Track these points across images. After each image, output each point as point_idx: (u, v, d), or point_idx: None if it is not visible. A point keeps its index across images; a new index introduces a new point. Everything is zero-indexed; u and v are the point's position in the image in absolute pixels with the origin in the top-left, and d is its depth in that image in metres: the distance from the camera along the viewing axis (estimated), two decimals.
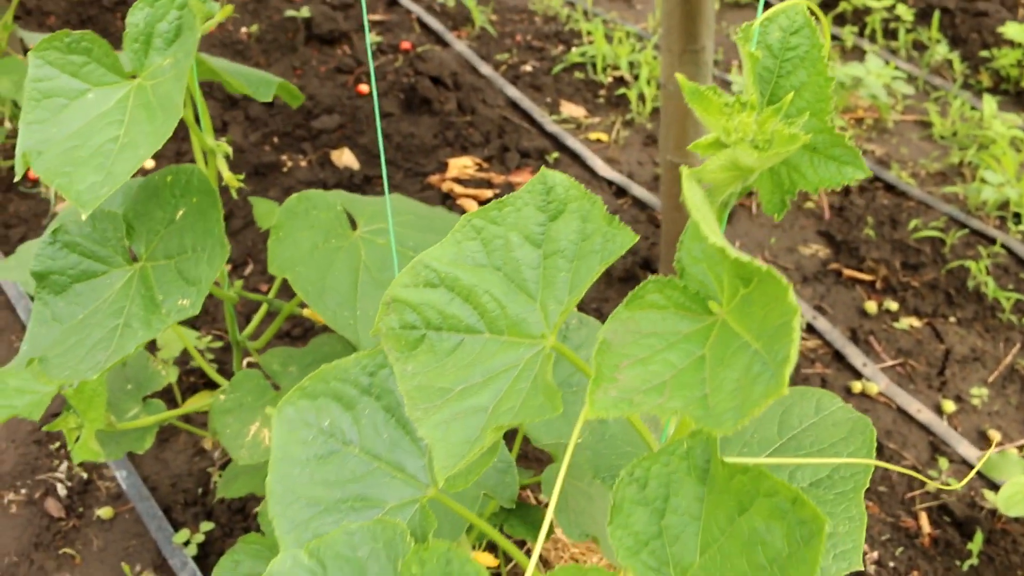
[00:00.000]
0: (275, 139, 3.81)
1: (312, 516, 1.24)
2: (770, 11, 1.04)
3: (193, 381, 2.92)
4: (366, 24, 1.45)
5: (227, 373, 2.55)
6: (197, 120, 1.76)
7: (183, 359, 2.96)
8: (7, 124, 3.46)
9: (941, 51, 4.39)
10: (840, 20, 4.59)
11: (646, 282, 0.95)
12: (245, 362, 2.35)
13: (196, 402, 2.26)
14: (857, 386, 2.89)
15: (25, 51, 3.61)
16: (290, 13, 4.43)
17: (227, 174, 1.75)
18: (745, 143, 0.88)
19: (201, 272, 1.61)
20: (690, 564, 0.93)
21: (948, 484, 2.62)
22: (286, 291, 2.97)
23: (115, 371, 2.24)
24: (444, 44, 4.41)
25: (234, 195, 1.82)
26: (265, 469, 2.11)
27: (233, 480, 2.21)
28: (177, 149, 3.72)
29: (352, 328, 1.72)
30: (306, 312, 2.08)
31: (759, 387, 0.77)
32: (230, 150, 1.75)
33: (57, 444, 2.78)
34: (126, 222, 1.68)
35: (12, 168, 3.73)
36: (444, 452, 1.04)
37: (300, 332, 3.09)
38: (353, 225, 1.90)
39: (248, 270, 3.30)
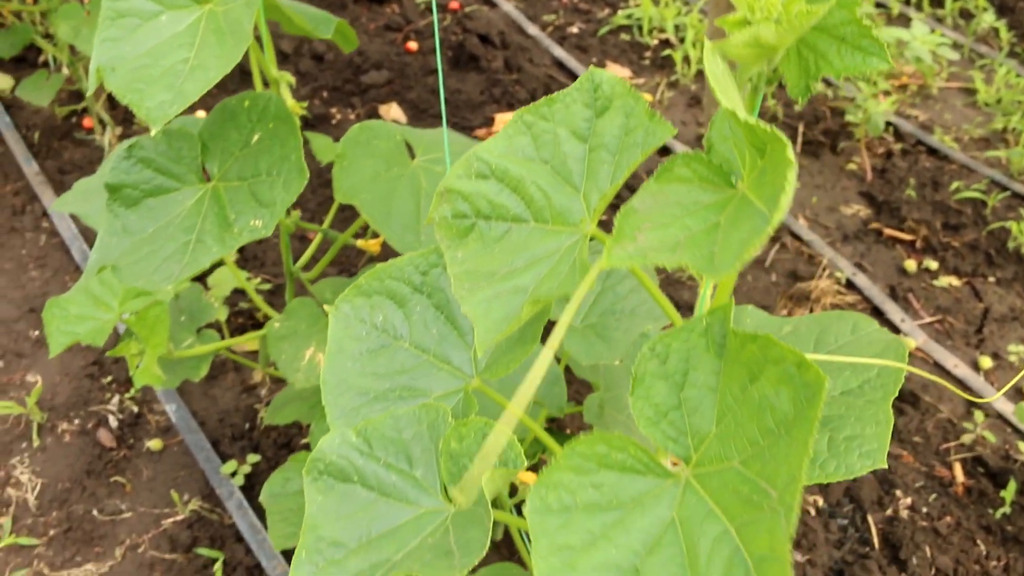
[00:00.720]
0: (324, 93, 3.87)
1: (362, 404, 1.31)
2: None
3: (241, 322, 2.98)
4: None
5: (278, 311, 2.61)
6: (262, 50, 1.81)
7: (232, 300, 3.03)
8: (64, 71, 3.54)
9: (988, 19, 4.38)
10: None
11: (675, 156, 1.00)
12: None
13: (248, 336, 2.32)
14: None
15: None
16: None
17: (291, 102, 1.80)
18: (769, 20, 0.93)
19: (276, 195, 1.66)
20: (707, 434, 0.99)
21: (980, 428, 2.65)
22: (339, 224, 3.03)
23: (169, 304, 2.31)
24: (492, 5, 4.45)
25: (297, 121, 1.88)
26: (311, 398, 2.18)
27: (280, 408, 2.28)
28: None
29: (416, 249, 1.78)
30: (359, 243, 2.14)
31: (756, 236, 0.83)
32: (293, 80, 1.81)
33: (109, 378, 2.86)
34: (201, 142, 1.74)
35: (68, 116, 3.82)
36: (484, 326, 1.11)
37: (352, 266, 3.15)
38: (411, 155, 1.96)
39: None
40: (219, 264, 3.16)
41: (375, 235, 2.17)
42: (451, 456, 1.15)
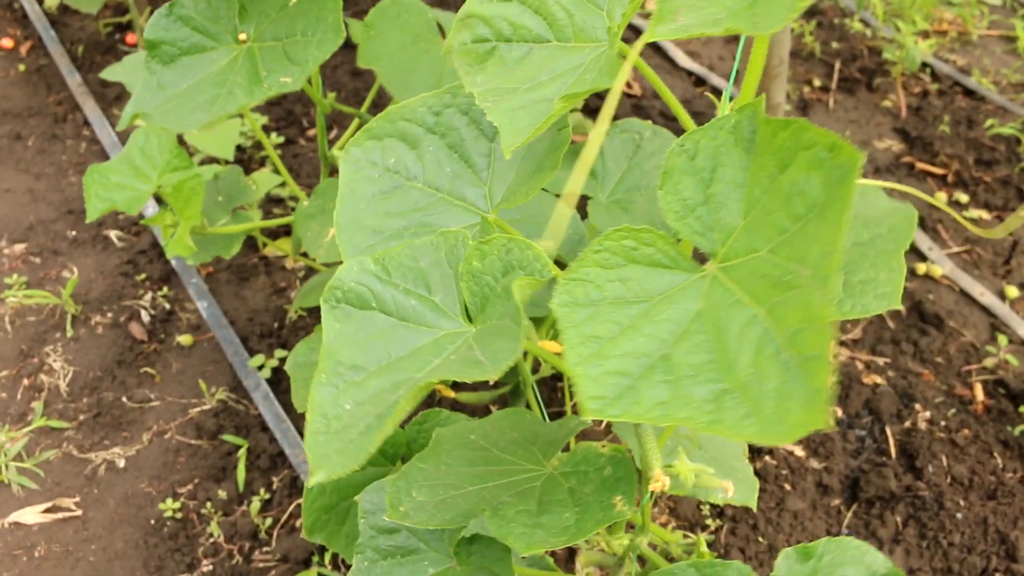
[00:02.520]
0: None
1: (377, 242, 1.33)
2: None
3: (275, 230, 3.03)
4: None
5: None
6: None
7: (267, 207, 3.07)
8: None
9: None
10: None
11: None
12: None
13: (279, 221, 2.37)
14: (922, 268, 2.92)
15: None
16: None
17: None
18: None
19: (309, 54, 1.69)
20: (734, 227, 1.00)
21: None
22: (375, 111, 3.06)
23: (208, 185, 2.36)
24: None
25: None
26: None
27: (308, 294, 2.32)
28: None
29: None
30: None
31: None
32: None
33: (143, 276, 2.91)
34: (239, 4, 1.77)
35: (112, 32, 3.87)
36: (511, 131, 1.13)
37: None
38: (443, 35, 1.98)
39: (330, 96, 3.40)
40: (259, 167, 3.21)
41: None
42: (473, 275, 1.16)
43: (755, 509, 2.10)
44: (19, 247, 3.03)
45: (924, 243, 2.99)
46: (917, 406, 2.52)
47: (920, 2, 3.77)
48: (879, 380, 2.60)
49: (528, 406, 1.97)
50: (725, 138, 1.02)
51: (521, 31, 1.22)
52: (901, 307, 1.26)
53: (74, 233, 3.08)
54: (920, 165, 3.30)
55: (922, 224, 3.08)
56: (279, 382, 2.61)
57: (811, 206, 0.93)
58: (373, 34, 1.88)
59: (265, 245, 2.96)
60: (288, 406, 2.52)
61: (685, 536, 1.73)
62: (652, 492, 1.26)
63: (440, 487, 1.26)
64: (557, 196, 1.65)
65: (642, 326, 0.98)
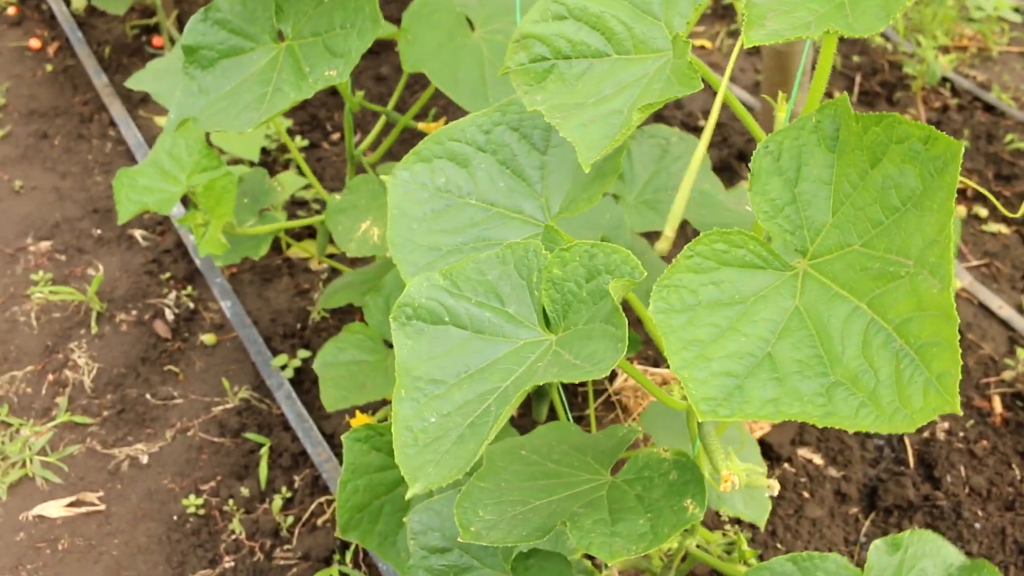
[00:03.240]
0: None
1: (435, 259, 1.34)
2: None
3: (298, 232, 3.05)
4: None
5: None
6: None
7: (291, 210, 3.10)
8: None
9: None
10: None
11: None
12: None
13: (305, 221, 2.39)
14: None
15: None
16: None
17: None
18: None
19: (351, 44, 1.71)
20: (823, 224, 1.03)
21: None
22: (400, 109, 3.09)
23: None
24: None
25: None
26: (363, 284, 2.24)
27: (333, 294, 2.34)
28: None
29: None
30: (421, 126, 2.19)
31: None
32: None
33: (167, 275, 2.94)
34: (275, 3, 1.79)
35: (138, 34, 3.90)
36: (586, 146, 1.15)
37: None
38: (471, 27, 2.01)
39: (358, 94, 3.42)
40: (283, 169, 3.24)
41: (436, 117, 2.22)
42: (554, 283, 1.16)
43: (762, 528, 2.12)
44: (45, 244, 3.06)
45: None
46: (936, 417, 2.53)
47: (941, 17, 3.79)
48: None
49: (552, 408, 1.99)
50: (808, 137, 1.05)
51: (580, 47, 1.25)
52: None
53: (99, 232, 3.11)
54: None
55: None
56: (301, 382, 2.63)
57: (907, 198, 0.96)
58: (411, 38, 1.91)
59: (289, 246, 2.99)
60: (310, 406, 2.54)
61: (724, 535, 1.75)
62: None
63: (507, 504, 1.27)
64: (611, 196, 1.69)
65: (741, 327, 1.01)
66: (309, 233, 3.04)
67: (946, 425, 2.52)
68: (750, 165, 1.06)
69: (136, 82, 2.29)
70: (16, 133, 3.50)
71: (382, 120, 2.25)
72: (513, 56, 1.27)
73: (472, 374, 1.15)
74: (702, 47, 3.95)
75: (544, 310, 1.16)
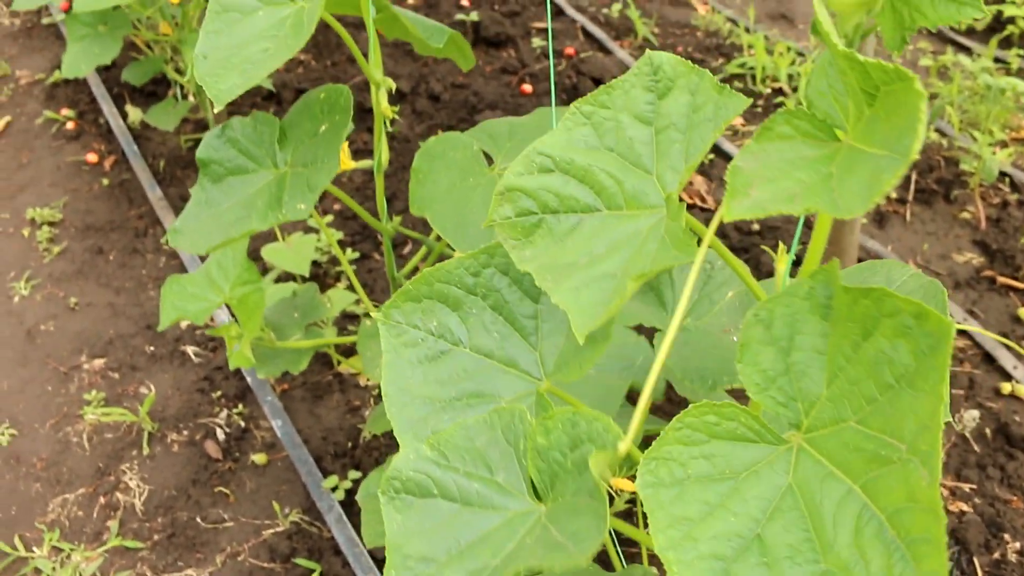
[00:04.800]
0: (439, 131, 3.94)
1: (428, 414, 1.27)
2: None
3: (349, 347, 3.04)
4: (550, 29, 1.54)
5: None
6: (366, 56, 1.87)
7: (342, 324, 3.09)
8: (191, 99, 3.67)
9: None
10: (1006, 43, 4.53)
11: (775, 114, 1.00)
12: None
13: (350, 338, 2.38)
14: (1007, 387, 2.85)
15: None
16: (460, 17, 4.59)
17: (384, 105, 1.85)
18: None
19: (320, 180, 1.73)
20: (817, 396, 0.98)
21: None
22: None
23: (285, 301, 2.39)
24: (606, 52, 4.50)
25: (388, 126, 1.92)
26: None
27: (380, 418, 2.32)
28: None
29: None
30: (458, 253, 2.17)
31: (886, 174, 0.83)
32: (393, 85, 1.86)
33: (219, 393, 2.93)
34: (282, 130, 1.83)
35: (192, 146, 3.95)
36: (579, 313, 1.09)
37: None
38: (490, 163, 1.97)
39: (395, 219, 3.42)
40: (334, 282, 3.23)
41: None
42: (538, 452, 1.12)
43: None
44: (99, 362, 3.07)
45: (1008, 361, 2.92)
46: (1006, 536, 2.44)
47: (996, 112, 3.74)
48: (965, 508, 2.53)
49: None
50: (800, 305, 1.00)
51: (568, 202, 1.19)
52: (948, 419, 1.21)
53: (152, 348, 3.11)
54: (1002, 279, 3.24)
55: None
56: (352, 504, 2.60)
57: (900, 375, 0.91)
58: (421, 178, 1.88)
59: (339, 363, 2.97)
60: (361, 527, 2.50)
61: None
62: None
63: None
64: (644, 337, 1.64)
65: (732, 505, 0.96)
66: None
67: (1017, 545, 2.43)
68: (739, 336, 1.01)
69: (174, 238, 2.33)
70: (72, 248, 3.54)
71: (424, 247, 2.23)
72: (498, 209, 1.21)
73: (463, 550, 1.10)
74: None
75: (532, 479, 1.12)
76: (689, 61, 1.17)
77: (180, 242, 1.76)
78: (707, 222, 3.43)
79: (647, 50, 1.21)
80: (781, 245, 1.21)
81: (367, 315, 3.03)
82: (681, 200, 1.13)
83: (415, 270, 2.24)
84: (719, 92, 1.14)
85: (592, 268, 1.12)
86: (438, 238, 2.08)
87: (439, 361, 1.31)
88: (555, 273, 1.14)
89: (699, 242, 1.07)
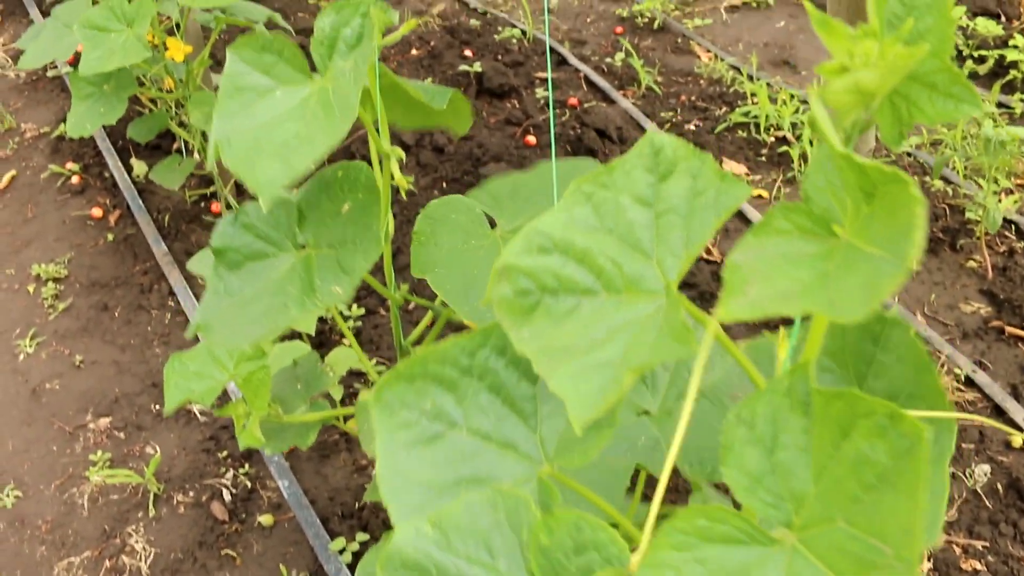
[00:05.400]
0: (444, 184, 3.95)
1: (426, 499, 1.23)
2: None
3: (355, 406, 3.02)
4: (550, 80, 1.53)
5: None
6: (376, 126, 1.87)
7: (347, 382, 3.08)
8: (195, 156, 3.68)
9: None
10: (1009, 88, 4.54)
11: (772, 209, 0.99)
12: None
13: (347, 410, 2.37)
14: (1017, 439, 2.84)
15: (216, 88, 3.83)
16: (463, 68, 4.61)
17: (398, 175, 1.84)
18: (868, 67, 0.93)
19: (356, 263, 1.69)
20: (805, 494, 0.96)
21: None
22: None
23: (286, 371, 2.37)
24: (610, 101, 4.51)
25: (403, 195, 1.92)
26: None
27: (376, 489, 2.30)
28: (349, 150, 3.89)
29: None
30: (467, 319, 2.16)
31: (885, 278, 0.82)
32: (403, 155, 1.85)
33: (225, 453, 2.91)
34: (299, 210, 1.80)
35: (197, 200, 3.95)
36: (577, 403, 1.06)
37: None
38: (493, 225, 1.96)
39: (403, 287, 3.41)
40: (340, 339, 3.22)
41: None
42: (542, 551, 1.09)
43: None
44: (104, 421, 3.06)
45: (1019, 413, 2.91)
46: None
47: (1001, 161, 3.74)
48: (978, 566, 2.50)
49: None
50: (781, 401, 0.98)
51: (567, 283, 1.16)
52: (939, 543, 1.19)
53: (158, 407, 3.10)
54: (1011, 329, 3.23)
55: (1015, 393, 3.00)
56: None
57: (881, 476, 0.89)
58: (423, 240, 1.87)
59: (346, 420, 2.96)
60: None
61: None
62: None
63: None
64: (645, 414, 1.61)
65: None
66: None
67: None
68: (722, 439, 1.00)
69: (196, 265, 2.32)
70: (77, 305, 3.53)
71: (431, 312, 2.22)
72: (497, 287, 1.19)
73: None
74: (759, 196, 3.93)
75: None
76: (691, 145, 1.16)
77: (214, 338, 1.70)
78: (713, 275, 3.43)
79: (648, 131, 1.20)
80: (782, 331, 1.19)
81: (367, 384, 3.02)
82: (681, 288, 1.12)
83: (422, 337, 2.24)
84: (721, 179, 1.12)
85: (590, 355, 1.10)
86: (444, 303, 2.07)
87: (435, 444, 1.26)
88: (552, 358, 1.12)
89: (698, 327, 1.06)
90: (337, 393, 2.86)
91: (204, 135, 3.54)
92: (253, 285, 1.76)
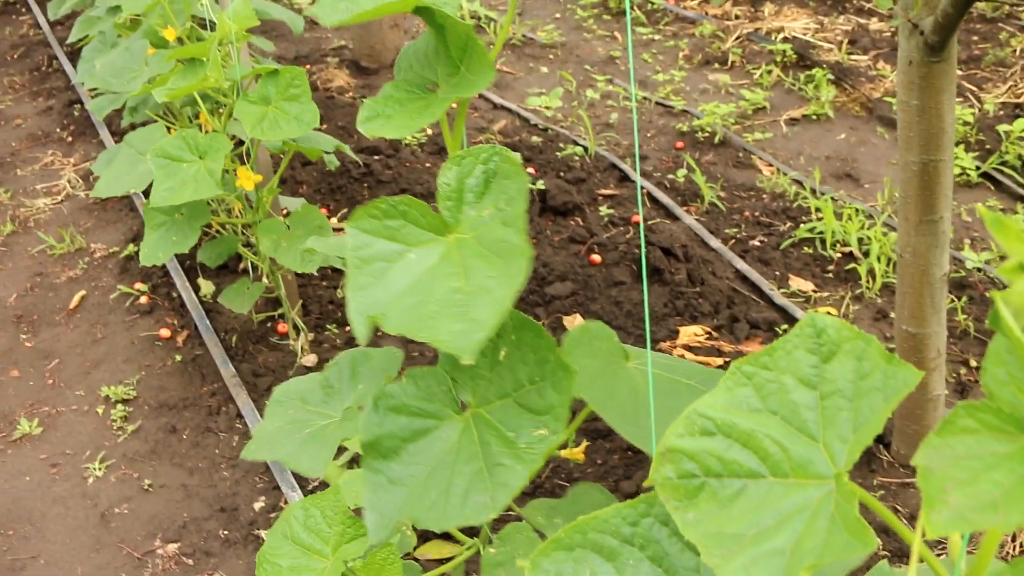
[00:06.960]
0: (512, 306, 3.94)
1: None
2: None
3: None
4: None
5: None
6: None
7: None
8: (264, 280, 3.70)
9: None
10: None
11: (956, 408, 0.96)
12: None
13: (434, 550, 2.32)
14: None
15: (284, 214, 3.88)
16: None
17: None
18: None
19: (550, 399, 1.62)
20: None
21: None
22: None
23: None
24: (674, 218, 4.51)
25: (540, 325, 1.92)
26: None
27: None
28: None
29: (639, 440, 1.73)
30: (563, 453, 2.13)
31: None
32: None
33: None
34: (449, 376, 1.71)
35: (264, 321, 3.97)
36: None
37: (559, 482, 3.14)
38: (627, 358, 1.96)
39: None
40: None
41: (577, 443, 2.16)
42: None
43: None
44: (172, 547, 3.04)
45: None
46: None
47: None
48: None
49: None
50: None
51: (732, 466, 1.15)
52: None
53: (226, 532, 3.08)
54: None
55: None
56: None
57: None
58: (570, 361, 1.87)
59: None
60: None
61: None
62: None
63: None
64: None
65: None
66: (438, 534, 2.97)
67: None
68: None
69: (251, 453, 2.15)
70: (146, 427, 3.54)
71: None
72: (659, 469, 1.18)
73: None
74: (827, 313, 3.88)
75: None
76: (853, 326, 1.14)
77: (439, 526, 1.60)
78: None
79: (808, 311, 1.19)
80: (955, 537, 1.16)
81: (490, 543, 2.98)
82: (851, 484, 1.09)
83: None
84: (888, 360, 1.10)
85: (760, 544, 1.08)
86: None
87: None
88: (721, 546, 1.10)
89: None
90: (412, 539, 2.83)
91: (273, 260, 3.56)
92: (425, 465, 1.64)
